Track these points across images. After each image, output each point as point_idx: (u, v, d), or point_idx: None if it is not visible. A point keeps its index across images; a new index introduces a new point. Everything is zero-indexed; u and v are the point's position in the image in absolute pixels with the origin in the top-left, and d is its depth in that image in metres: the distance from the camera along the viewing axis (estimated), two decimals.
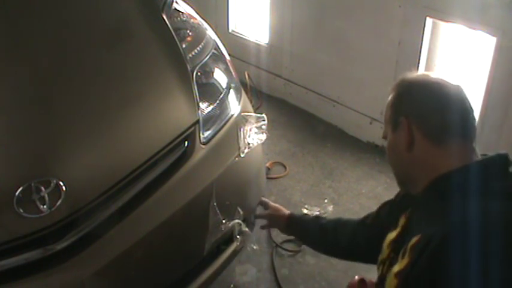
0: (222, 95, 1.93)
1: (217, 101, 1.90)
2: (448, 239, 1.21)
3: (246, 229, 1.86)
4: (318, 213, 2.64)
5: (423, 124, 1.38)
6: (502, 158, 1.35)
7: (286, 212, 2.05)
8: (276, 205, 2.09)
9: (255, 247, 1.92)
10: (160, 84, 1.79)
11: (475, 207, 1.24)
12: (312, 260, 2.44)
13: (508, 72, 2.47)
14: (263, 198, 2.12)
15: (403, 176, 1.47)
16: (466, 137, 1.37)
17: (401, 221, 1.50)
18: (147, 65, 1.81)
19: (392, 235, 1.51)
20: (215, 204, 1.74)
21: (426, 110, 1.40)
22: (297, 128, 3.35)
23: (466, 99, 1.40)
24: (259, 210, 2.13)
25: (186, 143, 1.75)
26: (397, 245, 1.45)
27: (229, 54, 2.09)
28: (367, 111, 3.14)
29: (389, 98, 1.48)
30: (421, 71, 2.77)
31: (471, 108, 1.40)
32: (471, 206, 1.25)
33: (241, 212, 1.84)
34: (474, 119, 1.40)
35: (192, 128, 1.76)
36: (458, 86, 1.42)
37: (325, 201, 2.74)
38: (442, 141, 1.36)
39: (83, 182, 1.50)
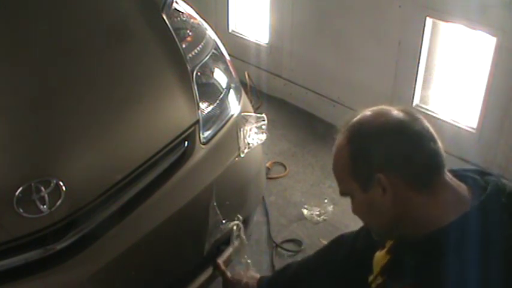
0: (222, 95, 1.93)
1: (217, 101, 1.90)
2: None
3: (244, 236, 1.85)
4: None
5: (405, 173, 1.25)
6: (500, 193, 1.26)
7: (254, 276, 1.83)
8: (235, 277, 1.84)
9: (249, 261, 1.88)
10: (160, 84, 1.79)
11: (472, 266, 1.18)
12: None
13: (508, 72, 2.47)
14: (221, 267, 1.84)
15: (389, 234, 1.36)
16: (442, 170, 1.28)
17: (389, 243, 1.40)
18: (147, 65, 1.81)
19: (381, 257, 1.41)
20: (215, 204, 1.74)
21: (403, 156, 1.25)
22: (297, 128, 3.35)
23: (428, 126, 1.30)
24: (259, 211, 2.12)
25: (186, 143, 1.75)
26: (389, 272, 1.37)
27: (229, 54, 2.09)
28: None
29: (343, 152, 1.31)
30: (421, 71, 2.77)
31: (435, 135, 1.29)
32: (467, 265, 1.18)
33: (241, 218, 1.84)
34: (440, 146, 1.29)
35: (192, 128, 1.76)
36: (414, 115, 1.30)
37: (325, 201, 2.74)
38: (427, 184, 1.25)
39: (83, 182, 1.50)
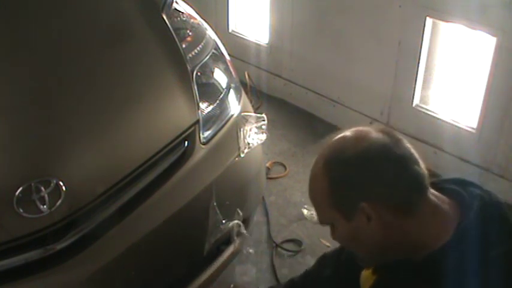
0: (222, 95, 1.93)
1: (217, 101, 1.90)
2: None
3: (245, 231, 1.85)
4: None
5: (390, 200, 1.20)
6: (485, 206, 1.23)
7: None
8: None
9: (251, 250, 1.90)
10: (160, 84, 1.79)
11: (471, 285, 1.16)
12: (312, 260, 2.43)
13: (508, 72, 2.47)
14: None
15: (375, 259, 1.32)
16: (427, 191, 1.23)
17: None
18: (147, 65, 1.81)
19: (368, 276, 1.37)
20: (215, 204, 1.74)
21: (387, 183, 1.20)
22: (297, 128, 3.35)
23: (410, 147, 1.24)
24: (259, 211, 2.12)
25: (186, 143, 1.75)
26: None
27: (229, 54, 2.09)
28: (367, 111, 3.14)
29: (323, 181, 1.24)
30: (421, 71, 2.77)
31: (417, 155, 1.24)
32: (466, 284, 1.17)
33: (241, 213, 1.84)
34: (423, 166, 1.24)
35: (192, 128, 1.76)
36: (395, 137, 1.24)
37: None
38: (413, 208, 1.21)
39: (83, 182, 1.50)
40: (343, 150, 1.24)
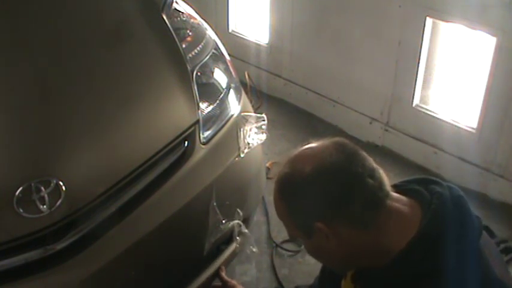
0: (222, 95, 1.93)
1: (217, 101, 1.90)
2: None
3: (246, 230, 1.85)
4: None
5: (345, 218, 1.21)
6: (445, 202, 1.23)
7: None
8: (232, 282, 1.79)
9: (254, 249, 1.90)
10: (160, 84, 1.79)
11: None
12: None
13: (508, 72, 2.47)
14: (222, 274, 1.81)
15: (345, 269, 1.36)
16: (385, 201, 1.22)
17: (350, 271, 1.37)
18: (147, 65, 1.81)
19: (347, 285, 1.38)
20: (215, 204, 1.74)
21: (339, 202, 1.21)
22: (297, 128, 3.35)
23: (365, 157, 1.24)
24: (259, 211, 2.11)
25: (186, 143, 1.75)
26: None
27: (229, 54, 2.09)
28: (367, 111, 3.14)
29: (280, 206, 1.29)
30: (421, 71, 2.77)
31: (372, 165, 1.24)
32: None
33: (241, 213, 1.84)
34: (381, 173, 1.24)
35: (192, 128, 1.76)
36: (349, 150, 1.24)
37: None
38: (371, 222, 1.21)
39: (83, 182, 1.50)
40: (292, 174, 1.26)
